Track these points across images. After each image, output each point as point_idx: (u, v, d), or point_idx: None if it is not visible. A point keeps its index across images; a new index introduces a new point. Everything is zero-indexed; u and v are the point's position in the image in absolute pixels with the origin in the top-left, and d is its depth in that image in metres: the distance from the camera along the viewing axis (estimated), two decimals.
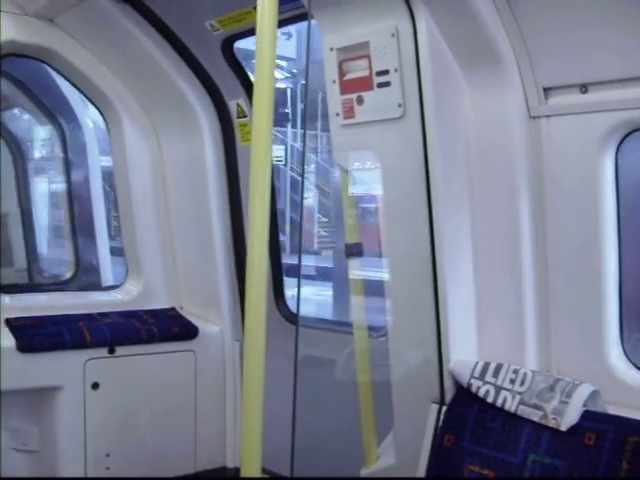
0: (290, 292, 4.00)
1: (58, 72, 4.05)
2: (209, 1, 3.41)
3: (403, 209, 2.68)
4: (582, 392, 2.29)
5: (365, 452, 3.01)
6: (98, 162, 5.17)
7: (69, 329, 3.62)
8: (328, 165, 14.74)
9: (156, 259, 4.16)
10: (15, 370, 3.39)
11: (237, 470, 3.86)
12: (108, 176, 4.85)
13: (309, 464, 2.73)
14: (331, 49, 2.67)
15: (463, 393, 2.58)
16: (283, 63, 13.93)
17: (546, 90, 2.47)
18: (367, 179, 2.99)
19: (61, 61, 3.87)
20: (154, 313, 4.03)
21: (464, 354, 2.62)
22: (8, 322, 3.60)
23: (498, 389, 2.46)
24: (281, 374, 2.42)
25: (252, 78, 3.66)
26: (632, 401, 2.35)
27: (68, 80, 4.09)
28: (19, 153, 5.81)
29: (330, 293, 10.72)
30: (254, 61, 1.96)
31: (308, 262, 11.20)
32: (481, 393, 2.49)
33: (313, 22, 2.64)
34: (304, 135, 13.68)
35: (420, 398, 2.71)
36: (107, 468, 3.64)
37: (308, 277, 10.27)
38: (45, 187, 6.20)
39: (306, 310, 4.90)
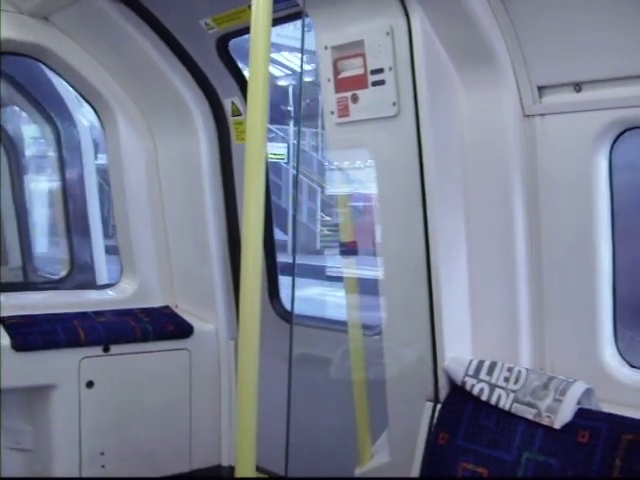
0: (298, 292, 3.96)
1: (53, 70, 4.06)
2: None
3: (397, 207, 2.68)
4: (576, 390, 2.30)
5: (360, 450, 3.00)
6: (93, 160, 5.16)
7: (64, 327, 3.62)
8: (329, 163, 14.55)
9: (151, 258, 4.15)
10: (10, 369, 3.38)
11: (232, 468, 3.85)
12: (106, 173, 4.84)
13: (304, 462, 2.74)
14: (326, 47, 2.67)
15: (457, 391, 2.58)
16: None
17: (540, 89, 2.47)
18: (362, 177, 2.99)
19: (56, 59, 3.87)
20: (149, 311, 4.03)
21: (458, 352, 2.62)
22: (2, 321, 3.59)
23: (492, 387, 2.46)
24: (276, 372, 2.42)
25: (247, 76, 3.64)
26: (626, 399, 2.35)
27: (63, 78, 4.10)
28: (14, 152, 5.80)
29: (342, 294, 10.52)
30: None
31: (316, 262, 11.05)
32: (475, 391, 2.49)
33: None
34: (298, 130, 13.67)
35: (414, 396, 2.71)
36: (102, 466, 3.64)
37: (319, 278, 10.07)
38: (40, 186, 6.18)
39: (317, 312, 4.80)
